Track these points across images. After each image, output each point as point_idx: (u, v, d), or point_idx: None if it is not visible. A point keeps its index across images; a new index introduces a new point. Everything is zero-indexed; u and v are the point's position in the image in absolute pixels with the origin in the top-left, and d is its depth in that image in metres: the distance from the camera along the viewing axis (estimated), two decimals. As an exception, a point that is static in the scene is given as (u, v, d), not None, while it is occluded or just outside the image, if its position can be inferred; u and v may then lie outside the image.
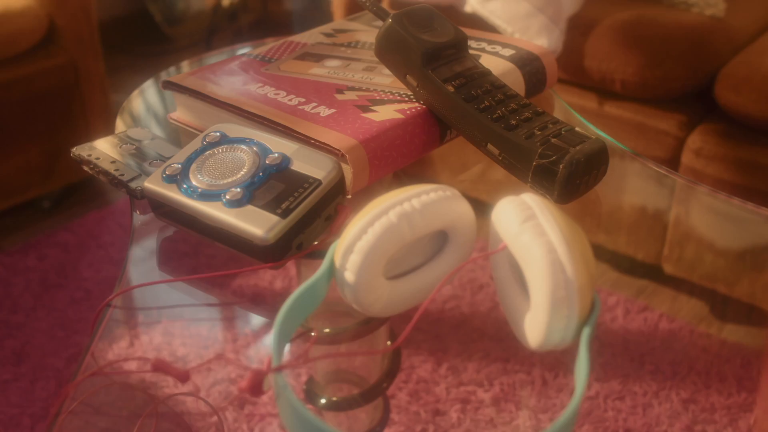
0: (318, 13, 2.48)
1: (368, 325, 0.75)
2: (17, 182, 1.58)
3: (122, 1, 2.50)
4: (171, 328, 0.79)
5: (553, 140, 0.57)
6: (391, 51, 0.63)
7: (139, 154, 0.64)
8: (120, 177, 0.60)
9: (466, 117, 0.60)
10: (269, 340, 0.39)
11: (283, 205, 0.50)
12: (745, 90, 1.08)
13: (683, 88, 1.15)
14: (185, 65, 0.93)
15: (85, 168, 0.64)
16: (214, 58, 1.03)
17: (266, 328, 0.91)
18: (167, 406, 0.49)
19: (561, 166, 0.56)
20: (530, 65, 0.73)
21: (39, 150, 1.58)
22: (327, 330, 0.71)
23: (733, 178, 1.10)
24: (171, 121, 0.71)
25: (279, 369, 0.36)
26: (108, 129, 1.69)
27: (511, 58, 0.72)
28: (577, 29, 1.18)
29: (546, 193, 0.57)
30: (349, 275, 0.43)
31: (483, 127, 0.59)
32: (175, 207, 0.52)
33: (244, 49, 0.91)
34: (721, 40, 1.18)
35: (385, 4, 1.48)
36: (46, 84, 1.56)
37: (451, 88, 0.61)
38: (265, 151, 0.54)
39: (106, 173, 0.61)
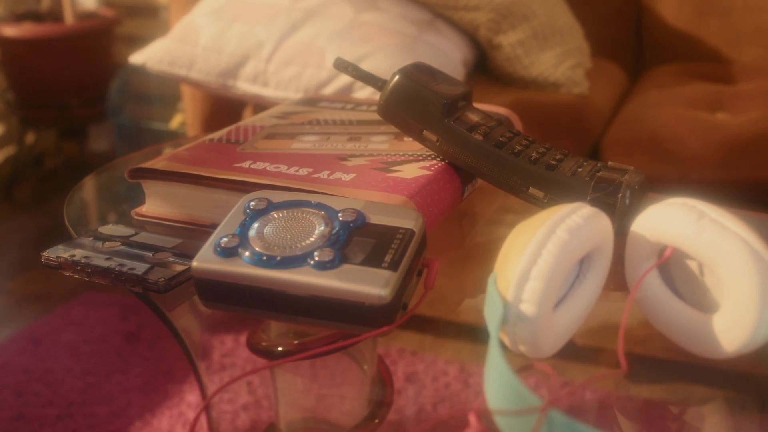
0: (135, 149, 2.37)
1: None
2: None
3: None
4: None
5: (598, 174, 0.56)
6: (403, 107, 0.59)
7: (133, 249, 0.54)
8: (131, 272, 0.50)
9: (501, 164, 0.57)
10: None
11: (387, 258, 0.43)
12: (636, 152, 1.15)
13: (573, 160, 1.21)
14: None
15: (67, 273, 0.52)
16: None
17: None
18: None
19: (619, 196, 0.54)
20: (505, 124, 0.72)
21: None
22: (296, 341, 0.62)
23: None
24: (137, 218, 0.61)
25: (549, 406, 0.29)
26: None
27: (486, 119, 0.71)
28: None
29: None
30: (527, 307, 0.37)
31: (523, 172, 0.57)
32: (246, 283, 0.43)
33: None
34: (593, 114, 1.27)
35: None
36: None
37: (479, 137, 0.58)
38: (329, 209, 0.47)
39: (106, 272, 0.50)
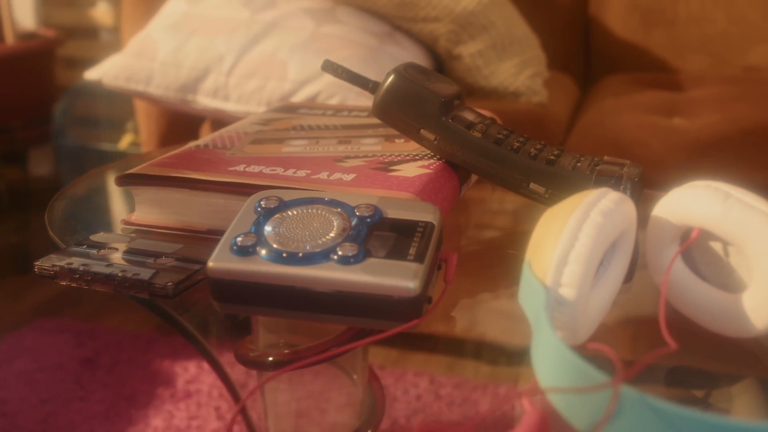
0: (80, 172, 2.31)
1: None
2: None
3: None
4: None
5: (598, 168, 0.56)
6: (399, 107, 0.59)
7: (131, 255, 0.52)
8: (135, 277, 0.48)
9: (501, 160, 0.57)
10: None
11: (411, 251, 0.42)
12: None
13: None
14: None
15: (63, 282, 0.50)
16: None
17: None
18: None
19: (621, 188, 0.54)
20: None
21: None
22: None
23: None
24: (126, 226, 0.59)
25: (622, 379, 0.29)
26: None
27: (472, 121, 0.71)
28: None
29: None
30: (567, 291, 0.36)
31: (523, 168, 0.57)
32: (267, 281, 0.42)
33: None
34: (553, 123, 1.29)
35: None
36: None
37: (477, 134, 0.58)
38: (345, 205, 0.46)
39: (108, 278, 0.48)
